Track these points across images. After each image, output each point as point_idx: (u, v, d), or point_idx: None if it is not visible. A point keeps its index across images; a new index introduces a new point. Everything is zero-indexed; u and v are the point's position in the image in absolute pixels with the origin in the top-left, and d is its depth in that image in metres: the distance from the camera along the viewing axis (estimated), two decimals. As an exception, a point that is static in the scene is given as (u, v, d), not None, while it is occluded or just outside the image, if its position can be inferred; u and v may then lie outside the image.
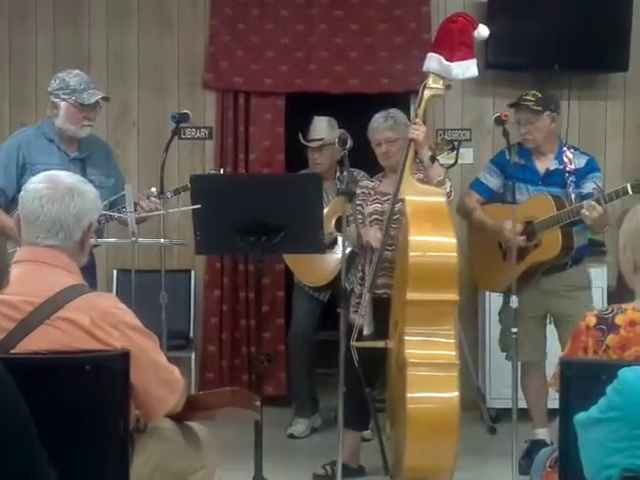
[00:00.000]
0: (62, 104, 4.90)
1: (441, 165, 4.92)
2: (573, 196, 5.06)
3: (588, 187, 5.06)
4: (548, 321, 5.31)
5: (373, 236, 4.89)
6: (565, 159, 5.18)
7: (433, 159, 4.82)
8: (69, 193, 2.87)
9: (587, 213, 4.77)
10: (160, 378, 2.89)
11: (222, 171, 5.62)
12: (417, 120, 4.82)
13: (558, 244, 5.03)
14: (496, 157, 5.40)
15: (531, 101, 5.15)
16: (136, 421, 2.99)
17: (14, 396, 2.37)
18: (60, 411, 2.61)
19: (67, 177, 2.96)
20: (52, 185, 2.88)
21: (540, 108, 5.15)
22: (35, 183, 2.90)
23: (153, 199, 4.94)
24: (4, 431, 2.31)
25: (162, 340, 4.60)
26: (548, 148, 5.22)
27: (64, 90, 4.89)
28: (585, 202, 4.83)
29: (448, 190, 4.80)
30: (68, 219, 2.86)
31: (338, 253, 5.55)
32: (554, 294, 5.17)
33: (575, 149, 5.31)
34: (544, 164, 5.22)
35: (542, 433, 5.22)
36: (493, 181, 5.31)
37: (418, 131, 4.77)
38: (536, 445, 4.98)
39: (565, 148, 5.25)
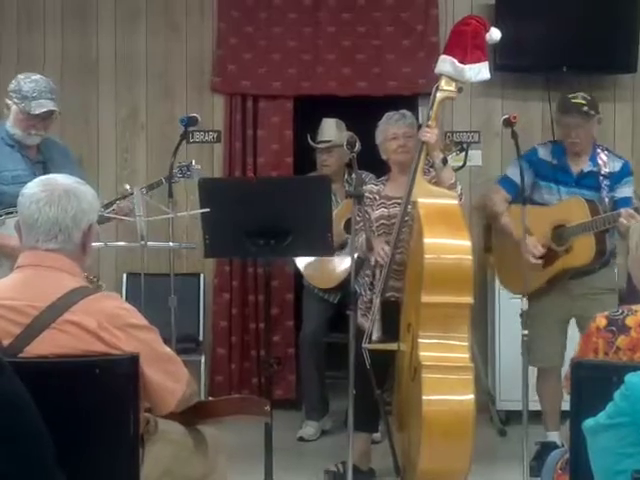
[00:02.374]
0: (13, 107, 4.75)
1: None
2: (607, 200, 4.96)
3: (622, 191, 4.97)
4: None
5: (381, 253, 4.88)
6: (599, 161, 5.06)
7: (445, 161, 4.81)
8: (65, 195, 2.86)
9: (625, 222, 4.64)
10: (166, 369, 2.90)
11: (193, 162, 5.39)
12: (429, 123, 4.79)
13: (592, 251, 4.93)
14: (528, 155, 5.23)
15: (584, 104, 5.04)
16: (145, 423, 3.00)
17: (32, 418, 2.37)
18: (70, 414, 2.61)
19: (63, 179, 2.95)
20: (48, 188, 2.87)
21: (593, 112, 5.07)
22: (31, 187, 2.90)
23: (125, 202, 4.91)
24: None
25: (171, 343, 4.62)
26: (587, 150, 5.12)
27: (16, 94, 4.73)
28: (623, 210, 4.73)
29: (459, 192, 4.80)
30: (66, 221, 2.85)
31: (347, 255, 5.55)
32: (581, 297, 5.05)
33: (609, 151, 5.18)
34: (578, 166, 5.11)
35: (554, 435, 5.20)
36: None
37: (430, 133, 4.75)
38: (547, 447, 4.92)
39: (599, 150, 5.13)
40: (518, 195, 5.13)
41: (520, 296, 4.68)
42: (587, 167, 5.10)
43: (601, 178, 5.03)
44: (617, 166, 5.09)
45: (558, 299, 5.11)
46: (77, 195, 2.89)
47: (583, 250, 4.95)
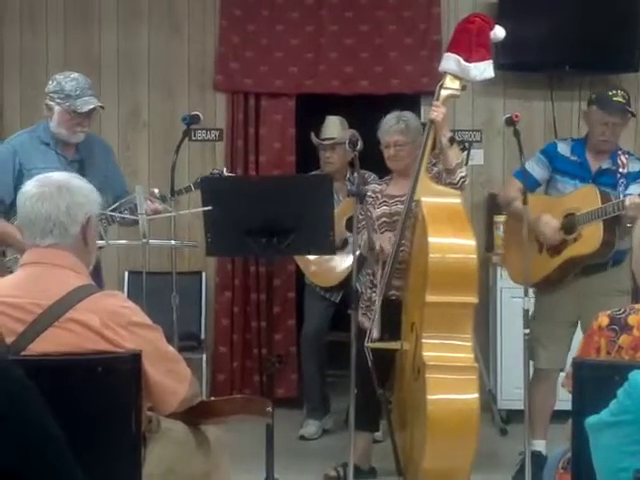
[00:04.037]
0: (56, 108, 4.79)
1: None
2: (622, 197, 4.84)
3: (631, 189, 4.87)
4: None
5: (386, 245, 4.86)
6: (619, 161, 4.99)
7: (452, 140, 4.76)
8: (58, 190, 2.87)
9: (628, 203, 4.60)
10: (170, 369, 2.90)
11: (225, 170, 5.50)
12: (437, 102, 4.75)
13: (599, 238, 4.81)
14: (546, 148, 5.20)
15: (624, 103, 4.97)
16: (148, 422, 2.99)
17: (38, 400, 2.38)
18: (72, 412, 2.60)
19: (58, 176, 2.97)
20: (41, 184, 2.89)
21: (631, 110, 5.02)
22: (27, 185, 2.92)
23: (157, 203, 4.91)
24: (31, 437, 2.31)
25: (173, 342, 4.61)
26: (613, 148, 5.05)
27: (59, 94, 4.78)
28: (629, 197, 4.69)
29: (464, 174, 4.76)
30: (59, 216, 2.85)
31: (348, 254, 5.55)
32: (589, 298, 4.91)
33: (630, 154, 5.11)
34: (598, 162, 5.03)
35: (539, 444, 5.06)
36: (539, 171, 5.09)
37: (437, 112, 4.71)
38: (532, 458, 4.68)
39: (620, 152, 5.05)
40: (533, 187, 5.10)
41: (522, 295, 4.64)
42: (606, 164, 5.02)
43: (618, 176, 4.96)
44: (636, 167, 5.01)
45: (565, 297, 5.02)
46: (70, 189, 2.89)
47: (590, 238, 4.84)
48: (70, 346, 2.72)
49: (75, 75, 4.87)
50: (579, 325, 5.02)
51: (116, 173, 5.12)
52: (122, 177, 5.22)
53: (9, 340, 2.72)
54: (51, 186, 2.89)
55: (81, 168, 4.78)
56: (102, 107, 4.95)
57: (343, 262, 5.84)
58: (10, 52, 6.74)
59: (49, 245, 2.87)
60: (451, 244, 4.53)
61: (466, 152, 5.91)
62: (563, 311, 5.03)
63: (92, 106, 4.80)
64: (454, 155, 4.77)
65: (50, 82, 4.88)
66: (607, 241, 4.84)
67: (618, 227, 4.82)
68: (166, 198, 4.98)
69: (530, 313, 4.95)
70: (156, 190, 4.98)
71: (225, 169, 5.46)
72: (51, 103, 4.82)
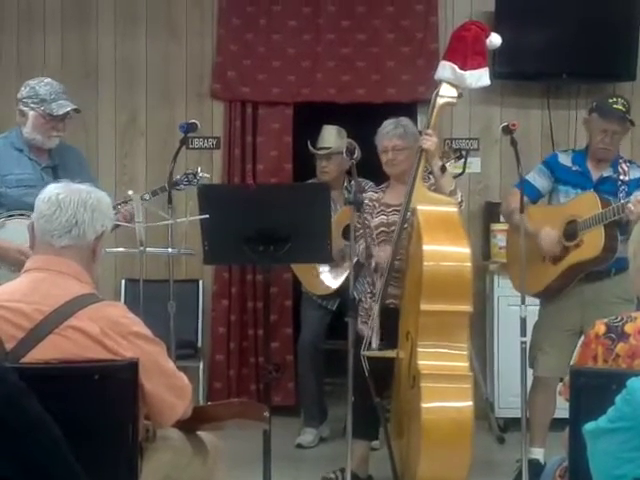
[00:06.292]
0: (30, 113, 4.77)
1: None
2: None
3: (634, 195, 4.80)
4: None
5: (382, 255, 4.87)
6: (620, 169, 5.01)
7: (444, 169, 4.79)
8: (86, 194, 2.91)
9: (632, 207, 4.57)
10: (169, 384, 2.90)
11: (199, 170, 5.38)
12: (429, 131, 4.78)
13: (600, 243, 4.78)
14: (547, 158, 5.24)
15: (623, 111, 4.96)
16: (145, 431, 2.99)
17: (36, 404, 2.39)
18: (69, 420, 2.60)
19: (81, 185, 2.99)
20: (68, 188, 2.93)
21: (630, 118, 5.00)
22: (50, 188, 2.94)
23: (129, 207, 4.88)
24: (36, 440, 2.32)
25: (170, 350, 4.60)
26: (613, 157, 5.05)
27: (33, 99, 4.76)
28: (632, 197, 4.67)
29: (459, 200, 4.79)
30: (84, 215, 2.87)
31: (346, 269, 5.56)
32: (596, 306, 4.85)
33: (631, 162, 5.11)
34: (599, 171, 5.04)
35: (538, 452, 5.06)
36: (541, 182, 5.10)
37: (430, 141, 4.74)
38: (529, 466, 4.70)
39: (621, 160, 5.07)
40: (536, 198, 5.12)
41: (520, 303, 4.64)
42: (607, 172, 5.03)
43: (619, 183, 4.96)
44: (637, 174, 5.02)
45: (570, 306, 4.99)
46: (97, 197, 2.94)
47: (592, 243, 4.83)
48: (69, 354, 2.72)
49: (48, 80, 4.87)
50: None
51: (91, 180, 5.05)
52: (96, 182, 5.16)
53: (9, 346, 2.72)
54: (79, 189, 2.92)
55: (55, 174, 4.74)
56: (77, 110, 4.91)
57: (339, 275, 5.85)
58: (7, 58, 6.73)
59: (63, 246, 2.87)
60: (446, 252, 4.53)
61: (463, 160, 5.92)
62: (567, 319, 5.01)
63: (68, 109, 4.79)
64: (447, 183, 4.80)
65: (23, 88, 4.86)
66: (608, 246, 4.82)
67: (621, 232, 4.80)
68: (142, 198, 4.95)
69: (528, 321, 4.94)
70: (130, 192, 4.96)
71: (199, 168, 5.38)
72: (25, 109, 4.80)
